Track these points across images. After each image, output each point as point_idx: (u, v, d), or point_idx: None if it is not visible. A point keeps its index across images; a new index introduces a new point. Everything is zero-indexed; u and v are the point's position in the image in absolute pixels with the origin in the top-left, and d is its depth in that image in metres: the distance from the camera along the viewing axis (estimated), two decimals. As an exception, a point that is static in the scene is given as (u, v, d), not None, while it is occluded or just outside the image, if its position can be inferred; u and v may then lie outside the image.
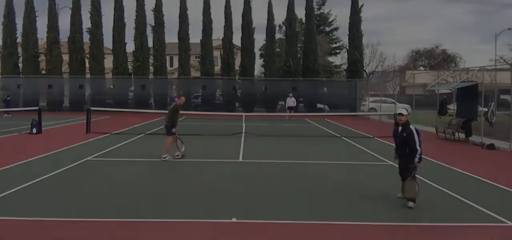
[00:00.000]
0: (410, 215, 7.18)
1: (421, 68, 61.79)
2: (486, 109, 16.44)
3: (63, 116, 29.24)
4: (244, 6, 37.07)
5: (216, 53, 40.27)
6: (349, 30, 38.27)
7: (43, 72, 37.45)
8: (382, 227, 6.55)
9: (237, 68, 38.66)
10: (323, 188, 9.25)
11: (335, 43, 53.97)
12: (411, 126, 7.66)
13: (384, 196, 8.61)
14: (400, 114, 7.75)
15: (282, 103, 36.05)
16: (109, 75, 38.34)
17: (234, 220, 6.68)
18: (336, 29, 54.42)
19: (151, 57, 37.27)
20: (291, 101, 29.02)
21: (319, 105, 35.02)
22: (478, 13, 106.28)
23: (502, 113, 27.15)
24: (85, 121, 19.10)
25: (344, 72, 46.00)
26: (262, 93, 36.61)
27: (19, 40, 36.94)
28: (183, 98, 13.42)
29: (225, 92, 36.36)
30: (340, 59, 66.56)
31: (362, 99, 34.95)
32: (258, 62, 50.49)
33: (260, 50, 46.62)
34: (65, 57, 38.04)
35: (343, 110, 34.37)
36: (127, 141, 16.09)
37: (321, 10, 53.18)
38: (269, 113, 33.47)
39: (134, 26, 36.38)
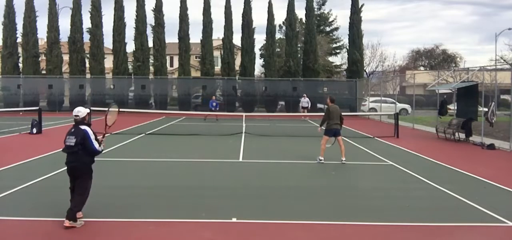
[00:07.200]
0: (410, 215, 7.18)
1: (421, 68, 61.74)
2: (486, 109, 16.43)
3: (63, 116, 29.23)
4: (244, 6, 37.08)
5: (216, 53, 40.26)
6: (349, 30, 38.28)
7: (43, 72, 37.42)
8: (382, 227, 6.54)
9: (237, 68, 38.65)
10: (323, 187, 9.26)
11: (335, 43, 53.91)
12: None
13: (384, 196, 8.62)
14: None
15: (282, 103, 36.13)
16: (109, 75, 38.34)
17: (234, 220, 6.68)
18: (336, 29, 54.39)
19: (151, 57, 37.27)
20: (305, 101, 29.38)
21: (319, 105, 35.02)
22: (479, 14, 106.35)
23: (502, 113, 27.21)
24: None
25: (344, 72, 45.98)
26: (262, 93, 36.62)
27: (19, 40, 36.92)
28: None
29: (225, 92, 36.36)
30: (340, 59, 66.58)
31: (362, 99, 34.93)
32: (258, 62, 50.59)
33: (260, 50, 46.63)
34: (65, 57, 38.07)
35: (343, 110, 34.30)
36: (127, 141, 16.09)
37: (321, 10, 53.16)
38: (271, 113, 33.49)
39: (134, 26, 36.38)
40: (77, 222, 6.25)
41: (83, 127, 6.50)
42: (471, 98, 17.78)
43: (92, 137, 6.49)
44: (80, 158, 6.42)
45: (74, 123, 6.59)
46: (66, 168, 6.57)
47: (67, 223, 6.16)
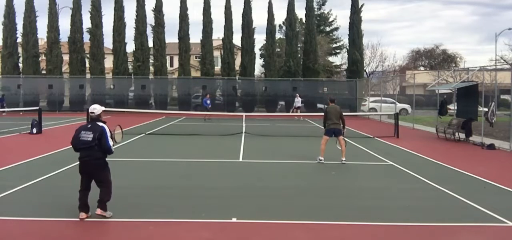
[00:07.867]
0: (410, 215, 7.18)
1: (421, 68, 61.69)
2: (486, 109, 16.43)
3: (63, 116, 29.25)
4: (244, 6, 37.10)
5: (216, 53, 40.27)
6: (349, 30, 38.28)
7: (43, 72, 37.45)
8: (382, 227, 6.54)
9: (237, 68, 38.66)
10: (323, 188, 9.26)
11: (335, 43, 53.91)
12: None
13: (384, 196, 8.62)
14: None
15: (282, 103, 36.13)
16: (109, 75, 38.36)
17: (234, 220, 6.68)
18: (336, 29, 54.40)
19: (151, 57, 37.29)
20: (297, 101, 29.42)
21: (319, 105, 35.02)
22: (479, 14, 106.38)
23: (502, 113, 27.21)
24: (85, 121, 19.04)
25: (344, 72, 45.98)
26: (262, 93, 36.62)
27: (19, 40, 36.96)
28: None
29: (225, 92, 36.35)
30: (340, 59, 66.40)
31: (362, 99, 34.92)
32: (258, 62, 50.52)
33: (260, 50, 46.64)
34: (65, 57, 38.08)
35: (343, 110, 34.27)
36: (127, 141, 16.06)
37: (321, 10, 53.17)
38: (271, 113, 33.48)
39: (134, 26, 36.41)
40: (107, 212, 6.56)
41: (100, 124, 6.64)
42: (471, 98, 17.77)
43: (109, 134, 6.64)
44: (95, 153, 6.54)
45: (89, 119, 6.76)
46: (78, 163, 6.71)
47: (99, 211, 6.53)
